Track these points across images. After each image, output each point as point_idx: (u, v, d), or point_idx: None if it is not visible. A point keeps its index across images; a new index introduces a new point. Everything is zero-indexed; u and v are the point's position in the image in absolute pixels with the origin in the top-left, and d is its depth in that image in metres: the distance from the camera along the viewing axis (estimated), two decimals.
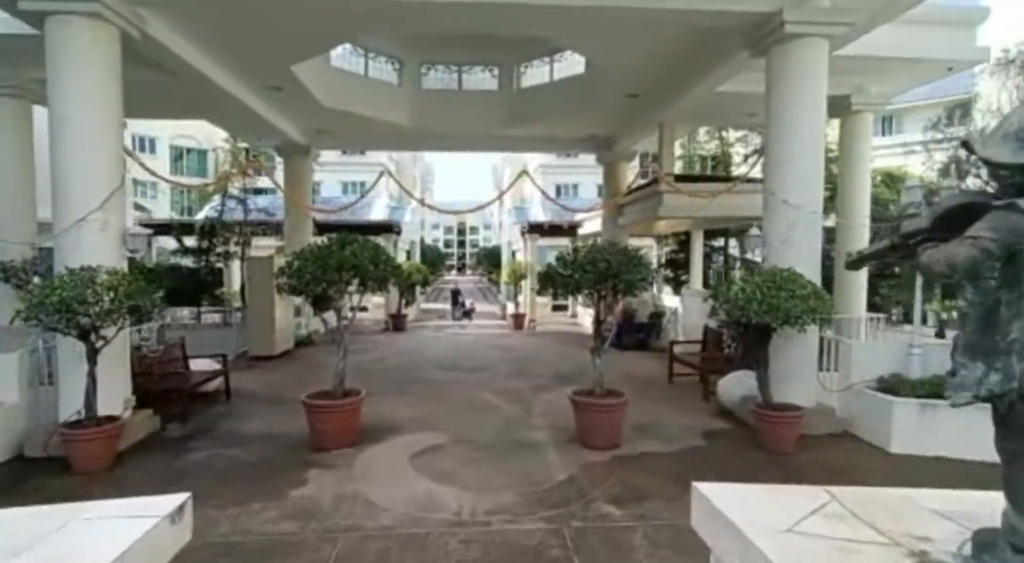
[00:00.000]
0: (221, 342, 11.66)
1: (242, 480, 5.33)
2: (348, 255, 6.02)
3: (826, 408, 6.83)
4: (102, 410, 5.85)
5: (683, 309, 12.95)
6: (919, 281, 6.63)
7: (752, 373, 8.20)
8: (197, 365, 8.80)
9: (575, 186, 39.84)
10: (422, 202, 11.09)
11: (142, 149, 36.25)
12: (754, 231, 7.20)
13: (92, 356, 5.59)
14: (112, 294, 5.37)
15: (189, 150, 38.52)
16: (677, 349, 9.71)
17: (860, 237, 10.77)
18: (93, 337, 5.53)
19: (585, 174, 39.10)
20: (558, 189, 39.73)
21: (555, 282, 6.25)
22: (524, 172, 9.90)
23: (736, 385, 7.82)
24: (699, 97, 10.35)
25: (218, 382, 8.51)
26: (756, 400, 7.17)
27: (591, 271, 5.85)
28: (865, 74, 10.12)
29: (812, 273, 6.58)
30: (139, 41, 6.98)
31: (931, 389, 5.85)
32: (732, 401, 7.69)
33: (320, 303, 6.36)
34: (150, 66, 8.29)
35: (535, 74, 12.42)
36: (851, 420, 6.61)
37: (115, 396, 6.25)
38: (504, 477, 5.36)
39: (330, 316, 6.43)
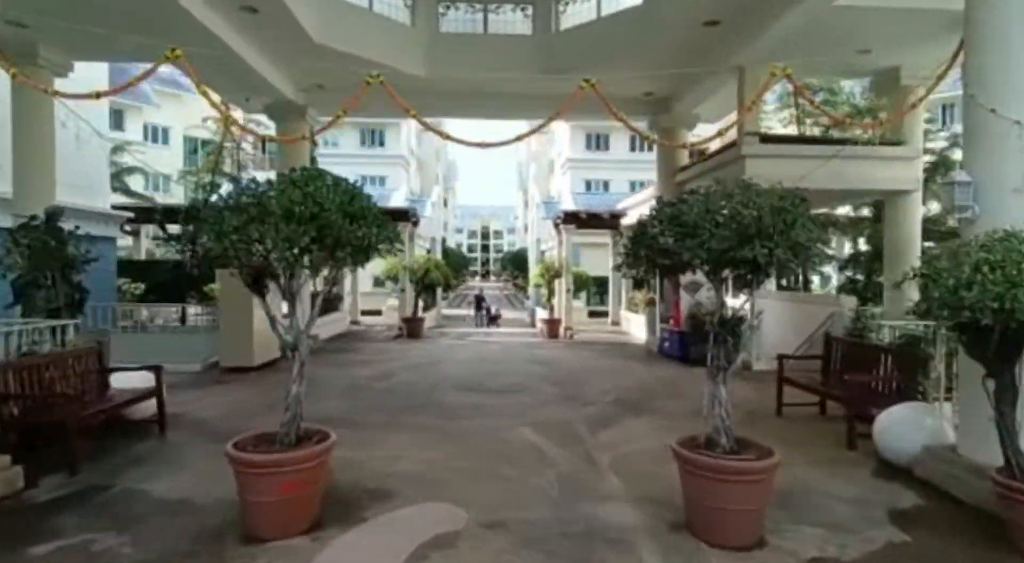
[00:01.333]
0: (188, 350, 9.36)
1: None
2: (303, 198, 3.49)
3: None
4: None
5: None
6: None
7: (922, 406, 5.51)
8: (128, 381, 6.42)
9: (605, 183, 37.92)
10: (448, 136, 8.69)
11: (155, 140, 34.77)
12: (960, 175, 4.46)
13: None
14: None
15: (205, 142, 36.92)
16: (767, 366, 6.99)
17: None
18: None
19: (616, 170, 36.77)
20: (588, 184, 37.25)
21: (652, 251, 3.64)
22: (588, 82, 7.38)
23: (907, 427, 5.12)
24: (801, 21, 7.95)
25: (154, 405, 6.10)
26: (949, 455, 4.52)
27: (732, 227, 3.20)
28: None
29: None
30: None
31: None
32: (904, 452, 4.98)
33: (260, 282, 3.87)
34: None
35: (578, 12, 9.85)
36: None
37: None
38: None
39: (277, 304, 3.93)
